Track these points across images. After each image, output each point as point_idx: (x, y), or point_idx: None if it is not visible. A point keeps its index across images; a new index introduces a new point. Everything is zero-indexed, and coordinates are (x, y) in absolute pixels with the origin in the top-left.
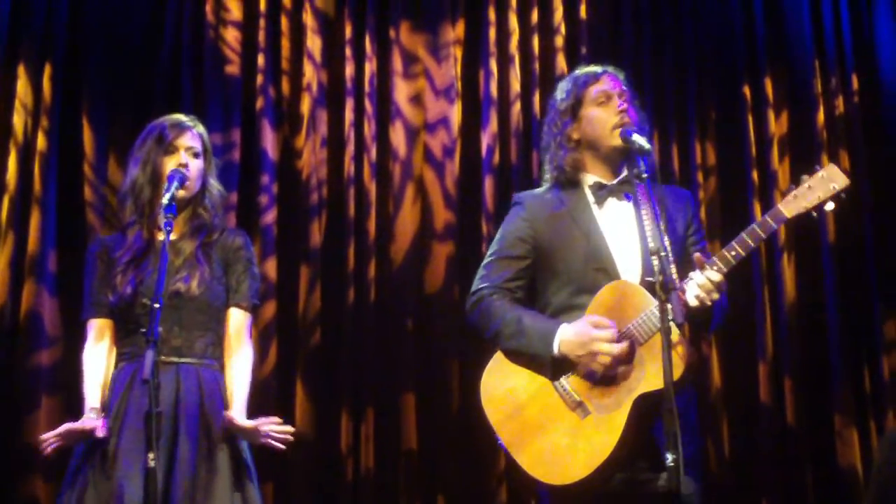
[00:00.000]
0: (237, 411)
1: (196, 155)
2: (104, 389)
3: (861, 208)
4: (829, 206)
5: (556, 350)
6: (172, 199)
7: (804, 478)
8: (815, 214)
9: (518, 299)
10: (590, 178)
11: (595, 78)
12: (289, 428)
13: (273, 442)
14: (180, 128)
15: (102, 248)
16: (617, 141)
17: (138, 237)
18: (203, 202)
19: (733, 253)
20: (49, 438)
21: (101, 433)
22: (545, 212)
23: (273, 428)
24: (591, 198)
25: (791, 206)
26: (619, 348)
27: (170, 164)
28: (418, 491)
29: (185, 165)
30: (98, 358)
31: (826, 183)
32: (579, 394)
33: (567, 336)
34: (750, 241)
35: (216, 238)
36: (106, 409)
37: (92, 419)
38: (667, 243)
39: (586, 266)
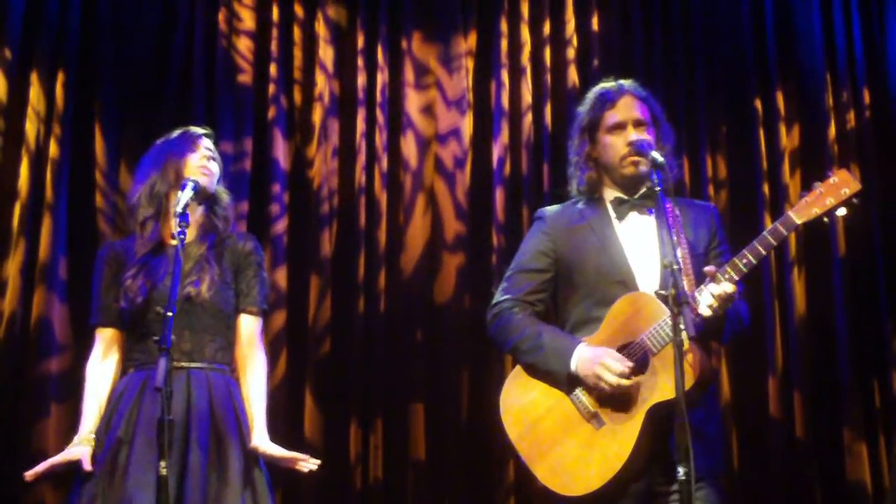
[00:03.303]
0: (260, 433)
1: (211, 159)
2: (101, 410)
3: (872, 222)
4: (841, 211)
5: (573, 369)
6: (186, 206)
7: (813, 492)
8: (826, 220)
9: (538, 312)
10: (610, 194)
11: (612, 102)
12: (315, 461)
13: (300, 467)
14: (195, 133)
15: (111, 253)
16: (626, 171)
17: (153, 234)
18: (213, 206)
19: (744, 261)
20: (32, 475)
21: (86, 467)
22: (566, 226)
23: (298, 458)
24: (612, 212)
25: (802, 212)
26: (622, 385)
27: (191, 160)
28: (426, 501)
29: (209, 158)
30: (101, 374)
31: (837, 188)
32: (594, 405)
33: (584, 356)
34: (761, 249)
35: (226, 240)
36: (107, 424)
37: (79, 449)
38: (680, 256)
39: (605, 279)
